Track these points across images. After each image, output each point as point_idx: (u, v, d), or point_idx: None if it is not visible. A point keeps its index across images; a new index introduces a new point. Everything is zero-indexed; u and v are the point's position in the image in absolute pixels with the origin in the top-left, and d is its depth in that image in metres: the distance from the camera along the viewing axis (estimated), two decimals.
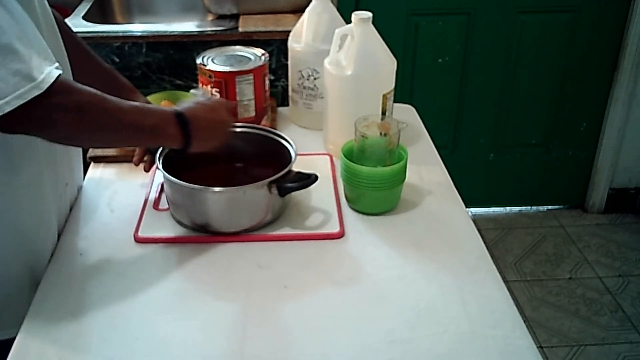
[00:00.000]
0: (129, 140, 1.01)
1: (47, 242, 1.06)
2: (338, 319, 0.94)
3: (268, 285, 1.00)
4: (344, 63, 1.27)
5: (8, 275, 1.01)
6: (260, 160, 1.19)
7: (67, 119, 0.87)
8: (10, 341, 0.91)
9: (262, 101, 1.38)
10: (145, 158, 1.20)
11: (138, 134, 0.96)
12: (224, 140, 1.09)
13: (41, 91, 0.83)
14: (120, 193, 1.23)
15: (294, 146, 1.16)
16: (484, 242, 1.10)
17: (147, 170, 1.19)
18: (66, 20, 1.95)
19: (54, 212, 1.08)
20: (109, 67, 1.25)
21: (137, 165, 1.20)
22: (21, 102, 0.81)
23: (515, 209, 2.80)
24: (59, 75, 0.86)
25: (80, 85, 0.90)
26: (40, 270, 1.04)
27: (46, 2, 1.05)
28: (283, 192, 1.08)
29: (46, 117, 0.85)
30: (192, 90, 1.15)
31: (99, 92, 0.91)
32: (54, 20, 1.07)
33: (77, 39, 1.20)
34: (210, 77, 1.32)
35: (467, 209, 1.20)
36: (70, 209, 1.17)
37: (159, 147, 1.10)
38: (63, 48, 1.08)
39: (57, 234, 1.10)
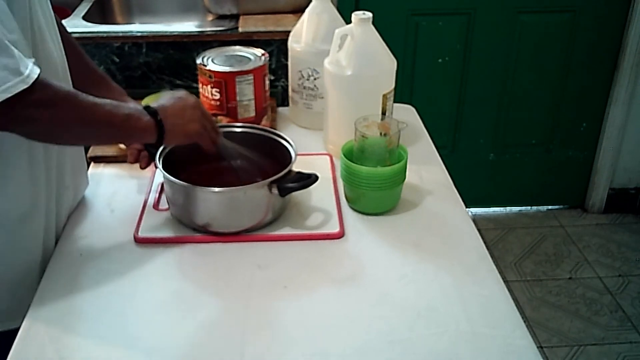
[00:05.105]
0: (105, 135, 1.00)
1: (46, 240, 1.07)
2: (338, 319, 0.94)
3: (268, 285, 1.00)
4: (344, 63, 1.27)
5: (6, 270, 1.02)
6: (260, 161, 1.19)
7: (45, 114, 0.88)
8: (9, 333, 0.92)
9: (262, 101, 1.38)
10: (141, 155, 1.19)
11: (112, 127, 0.97)
12: (201, 129, 1.07)
13: (27, 85, 0.84)
14: (120, 193, 1.23)
15: (294, 146, 1.16)
16: (484, 242, 1.10)
17: (143, 167, 1.17)
18: (66, 20, 1.97)
19: (51, 211, 1.08)
20: (101, 71, 1.26)
21: (132, 163, 1.18)
22: (8, 95, 0.82)
23: (515, 209, 2.80)
24: (40, 71, 0.87)
25: (55, 82, 0.91)
26: (37, 269, 1.04)
27: (50, 7, 1.05)
28: (283, 192, 1.08)
29: (25, 112, 0.86)
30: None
31: (72, 89, 0.93)
32: (55, 23, 1.07)
33: (73, 41, 1.20)
34: (210, 77, 1.32)
35: (467, 209, 1.20)
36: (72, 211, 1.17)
37: (143, 144, 1.10)
38: (63, 52, 1.08)
39: (54, 233, 1.10)
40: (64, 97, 0.91)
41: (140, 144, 1.14)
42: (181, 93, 1.08)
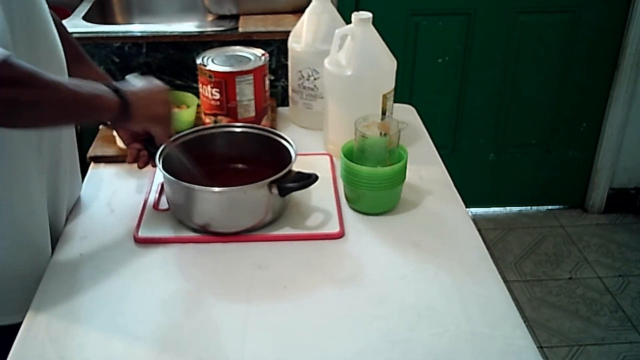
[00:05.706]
0: (71, 113, 0.98)
1: (42, 238, 1.07)
2: (338, 319, 0.94)
3: (268, 285, 1.00)
4: (344, 63, 1.27)
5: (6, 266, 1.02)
6: (260, 160, 1.19)
7: (7, 92, 0.85)
8: (8, 328, 0.93)
9: (262, 101, 1.38)
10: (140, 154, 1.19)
11: (77, 106, 0.95)
12: (168, 113, 1.08)
13: None
14: (120, 193, 1.23)
15: (294, 146, 1.16)
16: (484, 242, 1.10)
17: (140, 167, 1.16)
18: (66, 20, 1.97)
19: (48, 207, 1.08)
20: (102, 71, 1.26)
21: (130, 162, 1.18)
22: None
23: (515, 209, 2.80)
24: (9, 54, 0.84)
25: (24, 63, 0.88)
26: (36, 267, 1.04)
27: (45, 6, 1.05)
28: (283, 192, 1.08)
29: None
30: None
31: (39, 69, 0.90)
32: (52, 22, 1.07)
33: (73, 41, 1.20)
34: (210, 77, 1.32)
35: (467, 209, 1.20)
36: (70, 212, 1.17)
37: (104, 124, 1.10)
38: (60, 49, 1.08)
39: (53, 230, 1.10)
40: (28, 76, 0.88)
41: (132, 138, 1.14)
42: (151, 78, 1.09)
